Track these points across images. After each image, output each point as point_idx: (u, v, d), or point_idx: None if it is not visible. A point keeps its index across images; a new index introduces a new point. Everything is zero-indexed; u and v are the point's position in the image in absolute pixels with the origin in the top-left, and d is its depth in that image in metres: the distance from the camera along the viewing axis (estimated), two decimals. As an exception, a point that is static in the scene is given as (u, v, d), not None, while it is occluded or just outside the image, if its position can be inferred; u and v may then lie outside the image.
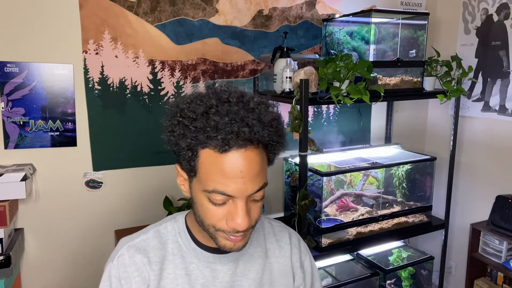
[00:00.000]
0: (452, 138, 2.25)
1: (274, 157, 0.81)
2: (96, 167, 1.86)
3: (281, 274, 0.91)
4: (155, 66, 1.90)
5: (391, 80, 1.97)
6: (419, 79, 2.05)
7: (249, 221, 0.75)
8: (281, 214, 2.32)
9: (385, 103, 2.53)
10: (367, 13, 1.91)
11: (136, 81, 1.88)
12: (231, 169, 0.71)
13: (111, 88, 1.84)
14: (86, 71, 1.78)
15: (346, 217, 2.03)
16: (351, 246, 1.98)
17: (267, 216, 1.02)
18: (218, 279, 0.84)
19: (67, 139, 1.79)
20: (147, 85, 1.90)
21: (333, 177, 2.05)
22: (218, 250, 0.83)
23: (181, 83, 1.97)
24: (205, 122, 0.71)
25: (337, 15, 2.17)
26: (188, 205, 1.89)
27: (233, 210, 0.74)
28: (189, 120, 0.73)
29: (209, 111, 0.72)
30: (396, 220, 2.13)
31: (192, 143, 0.72)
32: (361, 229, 2.02)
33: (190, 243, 0.85)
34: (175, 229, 0.87)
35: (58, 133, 1.77)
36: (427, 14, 2.04)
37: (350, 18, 2.03)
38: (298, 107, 1.66)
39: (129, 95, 1.88)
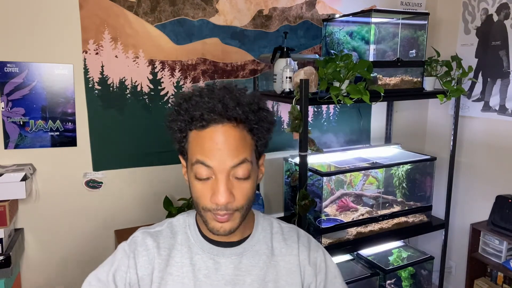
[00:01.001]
0: (452, 138, 2.25)
1: (261, 142, 0.85)
2: (96, 167, 1.86)
3: (287, 273, 0.91)
4: (155, 66, 1.90)
5: (391, 80, 1.97)
6: (419, 79, 2.05)
7: (231, 197, 0.78)
8: (281, 214, 2.32)
9: (385, 103, 2.53)
10: (367, 13, 1.91)
11: (136, 81, 1.88)
12: (209, 143, 0.78)
13: (111, 88, 1.84)
14: (86, 71, 1.78)
15: (346, 217, 2.03)
16: (351, 246, 1.98)
17: (271, 215, 1.01)
18: (220, 271, 0.87)
19: (67, 139, 1.80)
20: (147, 85, 1.90)
21: (333, 177, 2.05)
22: (223, 244, 0.88)
23: (181, 83, 1.97)
24: (189, 104, 0.81)
25: (337, 15, 2.17)
26: (188, 205, 1.89)
27: (215, 185, 0.78)
28: (178, 105, 0.83)
29: (194, 95, 0.82)
30: (396, 220, 2.13)
31: (181, 125, 0.81)
32: (361, 229, 2.02)
33: (198, 236, 0.90)
34: (186, 222, 0.93)
35: (58, 133, 1.78)
36: (427, 14, 2.04)
37: (350, 18, 2.03)
38: (298, 107, 1.65)
39: (129, 95, 1.88)
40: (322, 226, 1.91)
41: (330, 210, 2.06)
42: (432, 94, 2.07)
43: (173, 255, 0.88)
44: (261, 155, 0.88)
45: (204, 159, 0.78)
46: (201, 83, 2.00)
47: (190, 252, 0.88)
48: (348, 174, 2.10)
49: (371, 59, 1.90)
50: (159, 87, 1.93)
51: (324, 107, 2.35)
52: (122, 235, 1.86)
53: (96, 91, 1.82)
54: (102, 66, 1.81)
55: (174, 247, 0.89)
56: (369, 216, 2.05)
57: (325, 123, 2.37)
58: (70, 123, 1.79)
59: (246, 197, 0.81)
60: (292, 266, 0.91)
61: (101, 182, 1.88)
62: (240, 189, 0.80)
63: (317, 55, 2.21)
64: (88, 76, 1.79)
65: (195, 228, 0.91)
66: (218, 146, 0.77)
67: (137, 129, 1.91)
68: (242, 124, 0.80)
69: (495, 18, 2.22)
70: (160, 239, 0.89)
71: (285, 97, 1.79)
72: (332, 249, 1.92)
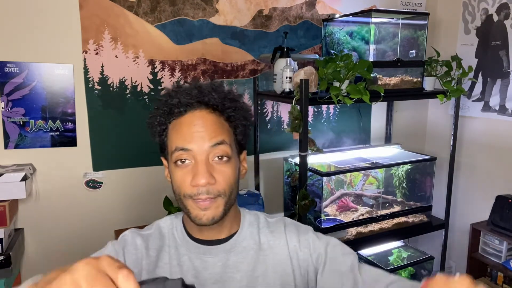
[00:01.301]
0: (452, 138, 2.25)
1: (240, 130, 0.86)
2: (96, 167, 1.86)
3: (276, 265, 0.89)
4: (155, 66, 1.90)
5: (391, 80, 1.97)
6: (419, 79, 2.05)
7: (211, 178, 0.78)
8: (281, 214, 2.32)
9: (385, 103, 2.53)
10: (367, 13, 1.91)
11: (136, 81, 1.88)
12: (187, 128, 0.81)
13: (111, 88, 1.84)
14: (86, 71, 1.78)
15: (346, 217, 2.03)
16: (351, 246, 1.96)
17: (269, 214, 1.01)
18: (208, 270, 0.86)
19: (67, 139, 1.79)
20: (147, 85, 1.90)
21: (333, 177, 2.05)
22: (210, 242, 0.87)
23: (181, 83, 1.96)
24: (167, 97, 0.85)
25: (337, 15, 2.17)
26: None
27: (195, 168, 0.79)
28: (158, 102, 0.86)
29: (172, 89, 0.86)
30: (396, 220, 2.13)
31: (161, 119, 0.84)
32: (361, 229, 2.02)
33: (184, 236, 0.90)
34: (173, 223, 0.93)
35: (58, 133, 1.78)
36: (427, 14, 2.04)
37: (350, 18, 2.03)
38: (298, 107, 1.66)
39: (129, 95, 1.88)
40: (322, 226, 1.91)
41: (330, 210, 2.06)
42: (432, 94, 2.07)
43: (161, 257, 0.88)
44: (242, 150, 0.89)
45: (183, 144, 0.79)
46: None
47: (178, 253, 0.88)
48: (348, 174, 2.10)
49: (371, 59, 1.90)
50: (159, 87, 1.93)
51: (324, 107, 2.35)
52: (122, 235, 1.86)
53: (96, 91, 1.82)
54: (102, 66, 1.81)
55: (163, 248, 0.89)
56: (369, 216, 2.05)
57: (325, 123, 2.37)
58: (70, 123, 1.79)
59: (228, 181, 0.81)
60: (281, 258, 0.90)
61: (101, 182, 1.88)
62: (221, 172, 0.80)
63: (317, 55, 2.21)
64: (88, 76, 1.79)
65: (182, 229, 0.91)
66: (196, 129, 0.79)
67: (137, 129, 1.91)
68: (218, 112, 0.83)
69: (495, 18, 2.22)
70: (149, 241, 0.90)
71: (285, 97, 1.79)
72: (332, 249, 1.92)
